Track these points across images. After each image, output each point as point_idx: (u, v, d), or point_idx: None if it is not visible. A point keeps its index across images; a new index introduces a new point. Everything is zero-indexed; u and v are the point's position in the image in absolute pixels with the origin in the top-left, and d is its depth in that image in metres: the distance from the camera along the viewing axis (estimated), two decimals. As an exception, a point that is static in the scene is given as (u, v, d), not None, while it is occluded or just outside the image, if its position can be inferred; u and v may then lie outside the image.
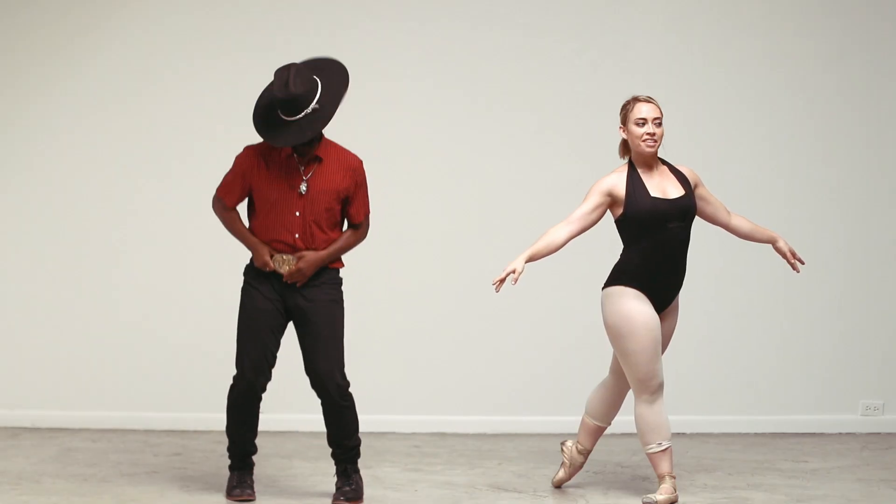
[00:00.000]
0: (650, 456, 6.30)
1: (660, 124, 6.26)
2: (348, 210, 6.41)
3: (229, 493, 6.35)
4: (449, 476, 6.87)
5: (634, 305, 6.21)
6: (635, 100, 6.33)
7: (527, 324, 8.15)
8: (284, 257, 6.26)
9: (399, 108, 8.14)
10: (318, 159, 6.29)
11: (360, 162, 6.42)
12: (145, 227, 8.05)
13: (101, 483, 6.52)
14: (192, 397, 7.55)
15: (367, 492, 6.43)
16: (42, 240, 8.06)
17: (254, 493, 6.35)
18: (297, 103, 6.13)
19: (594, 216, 6.27)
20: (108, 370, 8.04)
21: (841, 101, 8.32)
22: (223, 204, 6.41)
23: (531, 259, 6.23)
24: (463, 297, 8.15)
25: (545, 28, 8.17)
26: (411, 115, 8.15)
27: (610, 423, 6.60)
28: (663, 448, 6.26)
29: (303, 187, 6.25)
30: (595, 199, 6.26)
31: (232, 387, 6.32)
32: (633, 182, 6.24)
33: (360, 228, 6.47)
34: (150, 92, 8.07)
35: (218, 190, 6.44)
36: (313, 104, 6.16)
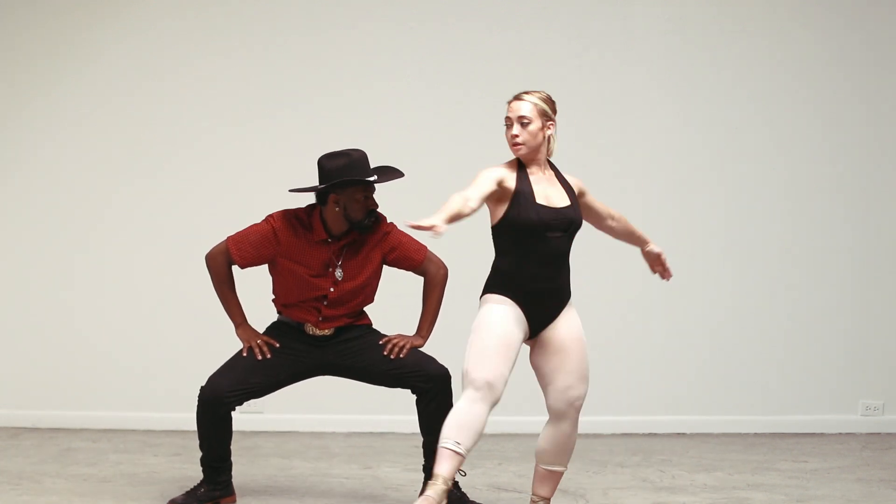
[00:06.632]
0: (438, 450, 5.41)
1: (528, 123, 5.57)
2: (403, 266, 6.19)
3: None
4: (449, 476, 6.85)
5: (494, 308, 5.68)
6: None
7: (527, 324, 8.14)
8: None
9: (399, 109, 8.13)
10: (353, 242, 6.05)
11: (392, 225, 6.19)
12: (146, 227, 8.05)
13: (101, 483, 6.52)
14: (192, 397, 7.48)
15: (367, 492, 6.43)
16: (42, 240, 8.05)
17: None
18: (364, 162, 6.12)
19: (484, 196, 5.44)
20: (107, 370, 8.04)
21: (843, 101, 8.31)
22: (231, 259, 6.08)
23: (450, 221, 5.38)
24: (462, 298, 8.14)
25: (545, 28, 8.17)
26: (411, 116, 8.14)
27: (566, 466, 5.82)
28: (453, 450, 5.40)
29: (338, 273, 6.06)
30: (486, 183, 5.45)
31: None
32: (522, 182, 5.64)
33: (428, 270, 6.22)
34: (150, 93, 8.06)
35: (229, 241, 6.10)
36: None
